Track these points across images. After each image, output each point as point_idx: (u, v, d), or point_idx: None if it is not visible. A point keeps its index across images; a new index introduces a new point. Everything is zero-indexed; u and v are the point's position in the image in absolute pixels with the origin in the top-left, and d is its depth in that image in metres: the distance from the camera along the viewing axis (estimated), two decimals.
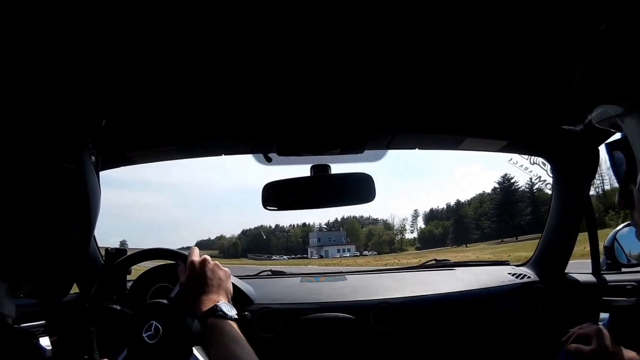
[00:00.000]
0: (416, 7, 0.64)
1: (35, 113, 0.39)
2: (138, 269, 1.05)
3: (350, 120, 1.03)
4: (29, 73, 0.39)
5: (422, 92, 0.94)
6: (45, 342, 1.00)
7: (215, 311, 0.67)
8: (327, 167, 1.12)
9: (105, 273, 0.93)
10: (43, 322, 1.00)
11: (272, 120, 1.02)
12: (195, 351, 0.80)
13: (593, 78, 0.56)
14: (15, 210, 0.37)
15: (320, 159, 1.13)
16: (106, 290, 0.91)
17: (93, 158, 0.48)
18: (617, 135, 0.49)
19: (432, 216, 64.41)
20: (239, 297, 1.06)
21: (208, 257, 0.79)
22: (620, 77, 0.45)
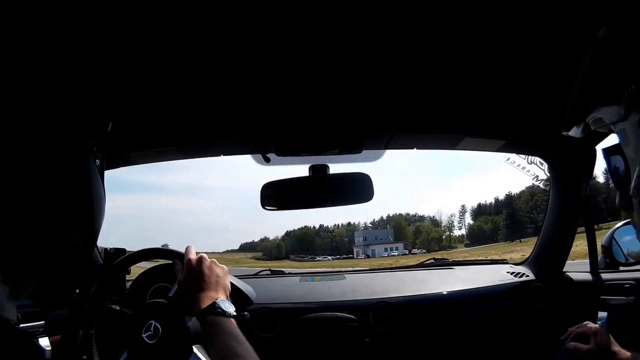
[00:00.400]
0: (414, 7, 0.65)
1: (37, 113, 0.39)
2: (137, 269, 1.05)
3: (348, 121, 1.04)
4: (30, 73, 0.39)
5: (419, 92, 0.94)
6: (44, 342, 1.00)
7: (214, 308, 0.67)
8: (326, 167, 1.12)
9: (104, 273, 0.93)
10: (42, 322, 1.00)
11: (270, 120, 1.03)
12: (195, 350, 0.80)
13: (592, 78, 0.56)
14: (16, 212, 0.37)
15: (318, 159, 1.13)
16: (105, 290, 0.91)
17: (97, 161, 0.48)
18: (615, 140, 0.50)
19: (480, 211, 62.03)
20: (238, 297, 1.07)
21: (204, 255, 0.79)
22: (618, 78, 0.46)
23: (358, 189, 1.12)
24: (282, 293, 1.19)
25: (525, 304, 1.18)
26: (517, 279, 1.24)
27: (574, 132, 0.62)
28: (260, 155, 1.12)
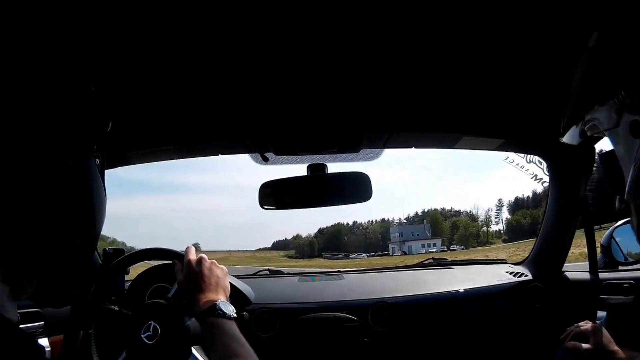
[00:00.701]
0: (412, 7, 0.65)
1: (36, 112, 0.39)
2: (135, 270, 1.05)
3: (346, 120, 1.04)
4: (30, 72, 0.39)
5: (418, 91, 0.94)
6: (44, 342, 1.00)
7: (215, 310, 0.67)
8: (324, 167, 1.12)
9: (103, 273, 0.93)
10: (42, 322, 1.00)
11: (268, 120, 1.03)
12: (194, 351, 0.80)
13: (585, 83, 0.56)
14: (15, 211, 0.37)
15: (316, 159, 1.13)
16: (104, 290, 0.91)
17: (98, 160, 0.48)
18: (611, 147, 0.51)
19: (518, 205, 59.52)
20: (237, 297, 1.07)
21: (204, 256, 0.79)
22: (609, 84, 0.46)
23: (356, 188, 1.12)
24: (281, 293, 1.19)
25: (525, 304, 1.18)
26: (516, 279, 1.24)
27: (571, 138, 0.64)
28: (258, 154, 1.12)
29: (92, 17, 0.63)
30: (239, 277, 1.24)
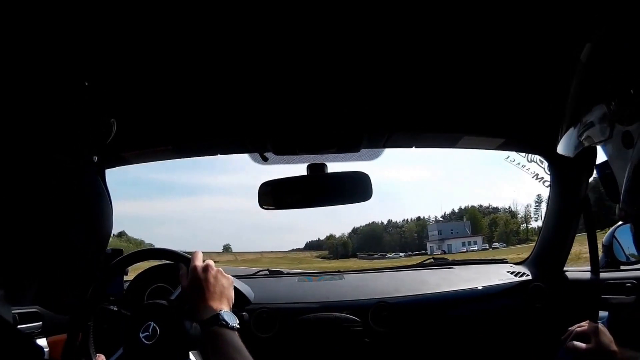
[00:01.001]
0: (412, 6, 0.65)
1: (35, 112, 0.39)
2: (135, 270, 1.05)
3: (346, 119, 1.03)
4: (28, 72, 0.39)
5: (418, 91, 0.94)
6: (42, 343, 1.00)
7: (218, 320, 0.66)
8: (324, 166, 1.12)
9: (102, 273, 0.93)
10: (40, 323, 1.00)
11: (268, 119, 1.02)
12: (191, 355, 0.79)
13: (591, 77, 0.56)
14: (13, 212, 0.37)
15: (316, 158, 1.12)
16: (103, 291, 0.91)
17: (96, 158, 0.47)
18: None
19: None
20: (236, 297, 1.06)
21: (211, 263, 0.78)
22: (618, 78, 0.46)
23: (356, 188, 1.11)
24: (281, 293, 1.18)
25: (526, 304, 1.18)
26: (517, 279, 1.23)
27: (566, 149, 0.63)
28: (257, 154, 1.11)
29: (89, 16, 0.62)
30: (238, 277, 1.23)
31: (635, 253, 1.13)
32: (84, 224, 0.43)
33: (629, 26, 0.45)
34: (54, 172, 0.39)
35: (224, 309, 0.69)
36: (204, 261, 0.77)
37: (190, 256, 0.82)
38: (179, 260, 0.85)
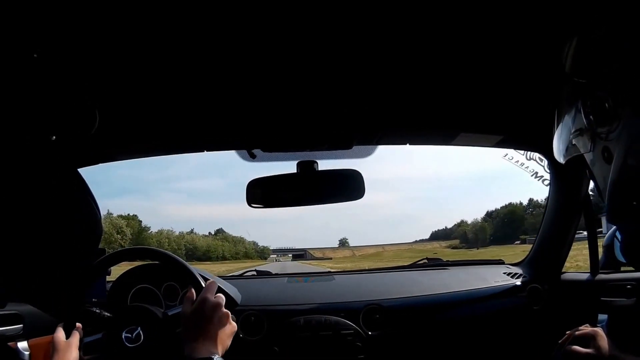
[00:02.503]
0: (406, 2, 0.62)
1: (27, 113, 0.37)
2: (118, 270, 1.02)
3: (338, 116, 1.01)
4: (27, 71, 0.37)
5: (412, 86, 0.91)
6: (23, 346, 0.97)
7: None
8: (314, 164, 1.09)
9: (84, 274, 0.90)
10: (21, 325, 0.98)
11: (256, 115, 1.00)
12: None
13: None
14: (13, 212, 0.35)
15: (306, 155, 1.09)
16: (85, 291, 0.88)
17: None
18: None
19: None
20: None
21: (222, 302, 0.73)
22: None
23: (348, 186, 1.09)
24: (269, 295, 1.15)
25: (523, 306, 1.15)
26: (514, 280, 1.20)
27: (557, 154, 0.65)
28: (245, 151, 1.08)
29: (79, 13, 0.60)
30: (225, 278, 1.21)
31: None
32: (82, 224, 0.40)
33: (610, 37, 0.45)
34: (53, 172, 0.37)
35: (217, 355, 0.66)
36: (216, 295, 0.72)
37: (202, 282, 0.78)
38: (192, 282, 0.80)
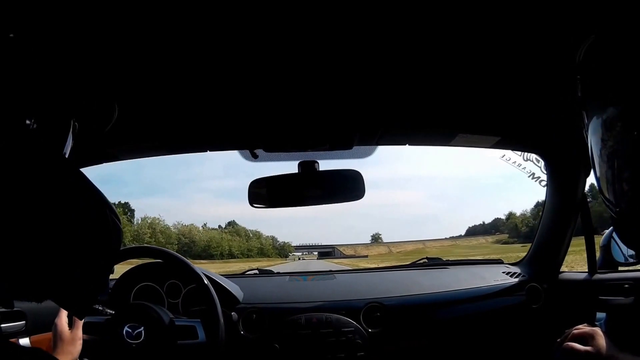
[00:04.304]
0: (406, 3, 0.63)
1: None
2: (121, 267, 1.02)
3: (338, 116, 1.02)
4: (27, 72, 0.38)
5: (412, 87, 0.92)
6: (25, 342, 0.98)
7: None
8: (315, 164, 1.10)
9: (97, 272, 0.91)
10: (23, 322, 0.98)
11: (258, 116, 1.00)
12: None
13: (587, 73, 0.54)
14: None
15: (307, 155, 1.11)
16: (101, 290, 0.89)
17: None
18: None
19: None
20: (225, 297, 1.04)
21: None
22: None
23: (349, 186, 1.10)
24: (271, 293, 1.16)
25: (522, 305, 1.16)
26: (512, 279, 1.21)
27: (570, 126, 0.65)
28: (247, 151, 1.10)
29: (79, 12, 0.61)
30: (227, 276, 1.22)
31: (633, 253, 1.11)
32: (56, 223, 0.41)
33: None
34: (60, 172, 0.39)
35: None
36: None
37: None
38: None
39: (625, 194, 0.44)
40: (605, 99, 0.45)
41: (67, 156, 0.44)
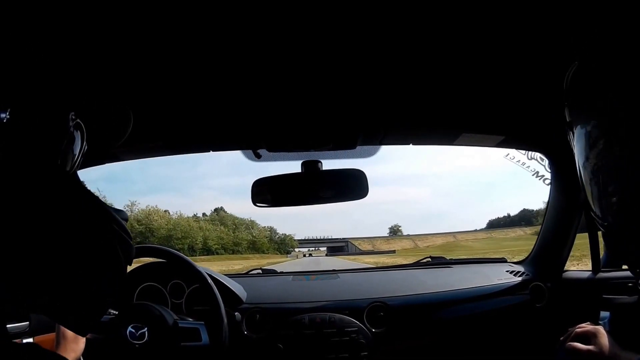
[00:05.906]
0: (410, 3, 0.62)
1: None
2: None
3: (342, 116, 1.01)
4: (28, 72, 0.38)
5: (415, 87, 0.92)
6: (29, 342, 0.98)
7: None
8: (318, 163, 1.10)
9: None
10: (27, 323, 0.98)
11: (262, 116, 1.00)
12: None
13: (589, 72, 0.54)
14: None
15: (310, 155, 1.10)
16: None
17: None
18: None
19: None
20: (228, 297, 1.04)
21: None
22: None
23: (352, 185, 1.09)
24: (274, 293, 1.16)
25: (526, 303, 1.16)
26: (516, 278, 1.21)
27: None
28: (250, 151, 1.09)
29: (82, 12, 0.60)
30: (230, 276, 1.22)
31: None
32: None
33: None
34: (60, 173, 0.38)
35: None
36: None
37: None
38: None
39: (610, 208, 0.46)
40: (588, 117, 0.46)
41: (76, 157, 0.43)
